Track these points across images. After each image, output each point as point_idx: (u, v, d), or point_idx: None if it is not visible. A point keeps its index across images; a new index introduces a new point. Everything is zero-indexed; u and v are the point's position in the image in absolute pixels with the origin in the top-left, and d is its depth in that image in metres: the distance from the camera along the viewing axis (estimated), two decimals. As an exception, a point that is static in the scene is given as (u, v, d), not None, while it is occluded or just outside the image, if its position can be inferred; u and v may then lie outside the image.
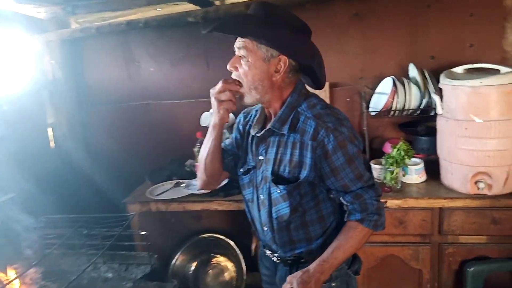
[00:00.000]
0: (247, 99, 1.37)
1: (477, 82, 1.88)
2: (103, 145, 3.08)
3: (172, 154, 2.89)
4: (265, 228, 1.49)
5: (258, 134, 1.44)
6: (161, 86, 2.94)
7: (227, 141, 1.64)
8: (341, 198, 1.39)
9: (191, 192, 2.35)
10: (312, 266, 1.31)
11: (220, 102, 1.38)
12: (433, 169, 2.25)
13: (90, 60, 3.00)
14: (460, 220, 2.04)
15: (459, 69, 2.11)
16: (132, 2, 2.75)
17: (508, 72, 1.88)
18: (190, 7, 2.67)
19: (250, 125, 1.53)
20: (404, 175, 2.21)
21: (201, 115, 2.79)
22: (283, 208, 1.40)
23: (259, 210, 1.49)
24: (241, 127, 1.58)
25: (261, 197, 1.46)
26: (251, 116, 1.57)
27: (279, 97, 1.39)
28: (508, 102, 1.87)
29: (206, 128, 2.69)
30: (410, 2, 2.49)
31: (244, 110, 1.62)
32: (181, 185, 2.51)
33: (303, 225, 1.43)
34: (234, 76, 1.37)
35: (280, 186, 1.37)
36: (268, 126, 1.40)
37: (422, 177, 2.23)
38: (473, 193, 1.99)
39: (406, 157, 2.13)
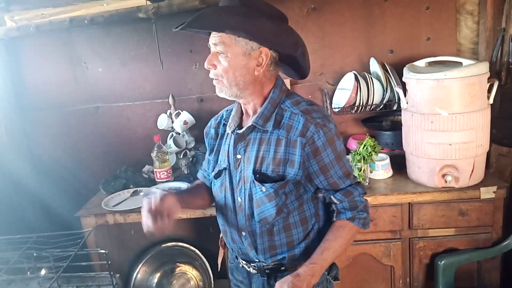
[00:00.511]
0: (224, 93, 1.30)
1: (441, 75, 1.87)
2: (49, 154, 2.82)
3: (127, 161, 2.71)
4: (243, 234, 1.38)
5: (239, 131, 1.34)
6: (111, 88, 2.73)
7: (206, 165, 1.57)
8: (331, 197, 1.34)
9: (151, 201, 2.19)
10: (302, 270, 1.24)
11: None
12: (398, 163, 2.24)
13: (30, 62, 2.72)
14: (429, 214, 2.03)
15: (421, 63, 2.10)
16: (75, -3, 2.53)
17: (470, 65, 1.88)
18: (140, 1, 2.49)
19: (224, 125, 1.45)
20: (371, 171, 2.18)
21: (157, 117, 2.63)
22: (267, 209, 1.30)
23: (235, 214, 1.39)
24: (212, 131, 1.50)
25: (239, 199, 1.36)
26: (221, 117, 1.49)
27: (260, 93, 1.32)
28: (471, 94, 1.87)
29: (164, 131, 2.60)
30: (367, -5, 2.46)
31: (215, 116, 1.54)
32: (140, 193, 2.35)
33: (286, 228, 1.35)
34: (212, 74, 1.29)
35: (266, 185, 1.28)
36: (251, 123, 1.31)
37: (389, 172, 2.21)
38: (440, 186, 2.00)
39: (373, 153, 2.10)
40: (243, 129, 1.34)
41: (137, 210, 2.14)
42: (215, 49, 1.24)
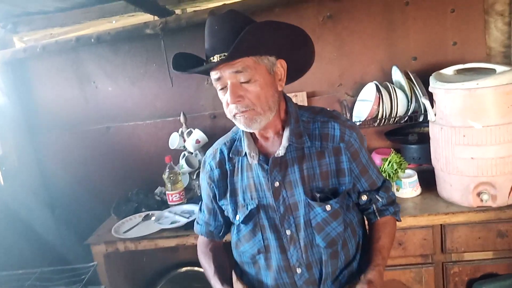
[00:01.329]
0: (259, 124, 1.15)
1: (473, 84, 1.69)
2: (60, 176, 2.75)
3: (139, 182, 2.61)
4: (298, 272, 1.22)
5: (278, 155, 1.20)
6: (121, 107, 2.64)
7: (207, 218, 1.42)
8: (376, 196, 1.30)
9: (162, 227, 2.07)
10: (371, 275, 1.19)
11: None
12: (427, 180, 2.06)
13: (39, 82, 2.66)
14: (464, 236, 1.85)
15: (449, 70, 1.93)
16: (82, 16, 2.47)
17: (505, 71, 1.70)
18: (148, 17, 2.40)
19: (230, 159, 1.29)
20: (397, 190, 2.01)
21: (168, 136, 2.52)
22: (334, 228, 1.20)
23: (283, 252, 1.22)
24: (217, 172, 1.32)
25: (288, 233, 1.22)
26: (221, 153, 1.32)
27: (278, 113, 1.21)
28: (508, 103, 1.69)
29: (176, 151, 2.48)
30: (386, 0, 2.30)
31: (208, 155, 1.37)
32: (152, 217, 2.23)
33: (344, 244, 1.24)
34: (241, 108, 1.12)
35: (331, 202, 1.19)
36: (287, 142, 1.19)
37: (417, 190, 2.03)
38: (476, 205, 1.81)
39: (399, 170, 1.94)
40: (279, 151, 1.19)
41: (149, 237, 2.06)
42: (236, 78, 1.10)
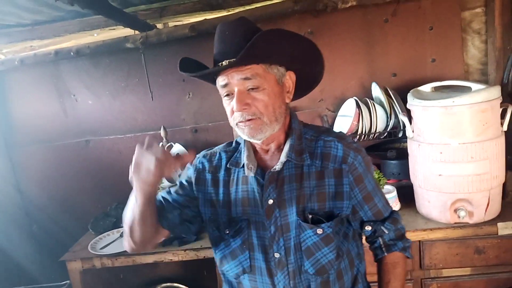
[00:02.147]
0: (264, 134, 1.11)
1: (449, 101, 1.71)
2: (37, 191, 2.69)
3: (118, 197, 2.54)
4: None
5: (275, 170, 1.14)
6: (101, 120, 2.61)
7: (173, 190, 1.28)
8: (382, 228, 1.22)
9: (140, 243, 2.03)
10: None
11: (158, 160, 1.00)
12: (406, 195, 2.07)
13: (17, 96, 2.61)
14: (442, 252, 1.85)
15: (426, 87, 1.95)
16: (62, 29, 2.44)
17: (480, 89, 1.73)
18: (129, 31, 2.39)
19: (227, 169, 1.23)
20: (377, 206, 2.01)
21: (149, 150, 2.49)
22: (325, 255, 1.13)
23: (270, 276, 1.15)
24: (209, 177, 1.24)
25: (276, 256, 1.14)
26: (219, 159, 1.25)
27: (283, 125, 1.17)
28: (483, 121, 1.71)
29: (155, 165, 2.45)
30: (366, 17, 2.33)
31: (203, 154, 1.29)
32: (130, 233, 2.19)
33: (339, 275, 1.17)
34: (247, 116, 1.07)
35: (323, 225, 1.11)
36: (285, 158, 1.14)
37: (396, 206, 2.04)
38: (453, 222, 1.82)
39: (378, 186, 1.94)
40: (276, 167, 1.14)
41: (126, 253, 2.01)
42: (244, 85, 1.06)
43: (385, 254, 1.24)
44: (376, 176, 1.94)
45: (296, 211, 1.13)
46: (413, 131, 1.89)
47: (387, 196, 1.95)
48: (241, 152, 1.22)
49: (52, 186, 2.67)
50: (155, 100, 2.49)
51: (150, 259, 2.03)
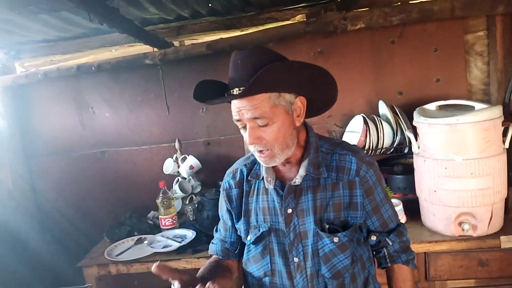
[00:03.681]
0: (278, 161, 1.19)
1: (453, 119, 1.81)
2: (54, 200, 2.79)
3: (133, 206, 2.66)
4: None
5: (295, 183, 1.21)
6: (117, 132, 2.72)
7: (224, 235, 1.40)
8: (386, 239, 1.29)
9: (154, 250, 2.11)
10: None
11: None
12: (412, 209, 2.14)
13: (38, 108, 2.74)
14: (447, 264, 1.92)
15: (431, 106, 2.05)
16: (83, 45, 2.57)
17: (483, 109, 1.82)
18: (147, 48, 2.51)
19: (248, 181, 1.33)
20: (384, 218, 2.09)
21: (163, 162, 2.59)
22: (341, 261, 1.21)
23: (290, 279, 1.25)
24: (235, 192, 1.35)
25: (296, 260, 1.23)
26: (240, 173, 1.35)
27: (298, 143, 1.23)
28: (486, 139, 1.80)
29: (170, 176, 2.55)
30: (374, 38, 2.45)
31: (227, 173, 1.39)
32: (144, 241, 2.27)
33: (353, 278, 1.25)
34: (259, 147, 1.16)
35: (339, 234, 1.20)
36: (304, 172, 1.21)
37: (403, 219, 2.11)
38: (457, 235, 1.89)
39: (385, 199, 2.02)
40: (296, 180, 1.22)
41: (141, 260, 2.09)
42: (254, 123, 1.13)
43: (389, 265, 1.32)
44: (383, 190, 2.02)
45: (313, 220, 1.21)
46: (419, 147, 1.98)
47: (393, 209, 2.05)
48: (260, 164, 1.30)
49: (69, 195, 2.76)
50: (170, 114, 2.60)
51: (164, 266, 2.10)
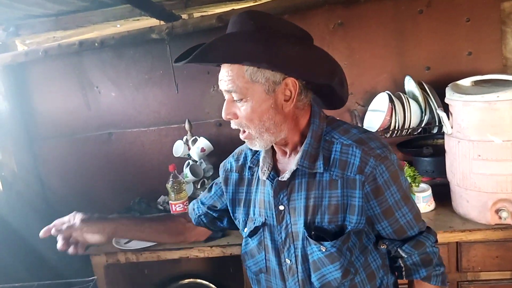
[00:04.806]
0: (259, 145, 1.06)
1: (493, 96, 1.62)
2: (59, 184, 2.68)
3: (142, 190, 2.54)
4: None
5: (283, 179, 1.07)
6: (124, 113, 2.57)
7: (204, 198, 1.36)
8: (398, 250, 1.10)
9: (165, 238, 1.99)
10: None
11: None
12: (441, 194, 1.98)
13: (40, 87, 2.59)
14: (481, 254, 1.77)
15: (466, 82, 1.86)
16: (85, 19, 2.40)
17: (526, 84, 1.64)
18: (153, 22, 2.34)
19: (250, 168, 1.20)
20: (410, 204, 1.93)
21: (172, 144, 2.45)
22: (331, 273, 1.05)
23: (283, 280, 1.13)
24: (235, 176, 1.23)
25: (287, 261, 1.11)
26: (243, 158, 1.23)
27: (297, 129, 1.07)
28: (529, 118, 1.62)
29: (180, 159, 2.41)
30: (399, 8, 2.24)
31: (232, 154, 1.28)
32: (154, 228, 2.15)
33: None
34: (234, 125, 1.05)
35: (326, 244, 1.03)
36: (294, 166, 1.05)
37: (431, 205, 1.96)
38: (494, 223, 1.73)
39: (413, 184, 1.86)
40: (285, 175, 1.08)
41: (150, 248, 1.98)
42: (231, 96, 1.02)
43: (404, 278, 1.15)
44: (411, 174, 1.86)
45: (304, 222, 1.06)
46: (451, 127, 1.80)
47: (421, 194, 1.90)
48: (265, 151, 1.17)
49: (74, 179, 2.65)
50: (179, 93, 2.44)
51: (175, 255, 1.99)
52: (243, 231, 1.21)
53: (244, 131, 1.05)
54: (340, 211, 1.04)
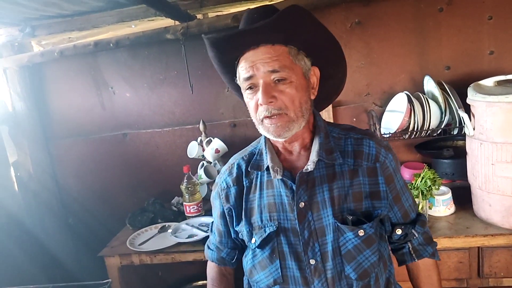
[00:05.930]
0: (295, 129, 1.03)
1: (518, 97, 1.57)
2: (74, 184, 2.69)
3: (156, 191, 2.53)
4: None
5: (306, 170, 1.04)
6: (139, 114, 2.57)
7: (218, 241, 1.28)
8: (412, 231, 1.16)
9: (179, 240, 1.97)
10: None
11: None
12: (461, 197, 1.93)
13: (56, 88, 2.60)
14: (504, 260, 1.71)
15: (488, 82, 1.80)
16: (100, 19, 2.39)
17: (553, 84, 1.57)
18: (168, 22, 2.32)
19: (247, 175, 1.16)
20: (430, 207, 1.88)
21: (187, 144, 2.43)
22: (367, 258, 1.05)
23: (307, 284, 1.07)
24: (233, 190, 1.17)
25: (312, 262, 1.06)
26: (238, 167, 1.18)
27: (308, 124, 1.10)
28: (556, 119, 1.56)
29: (194, 160, 2.39)
30: (419, 6, 2.18)
31: (223, 171, 1.22)
32: (168, 229, 2.14)
33: (376, 278, 1.09)
34: (272, 110, 0.99)
35: (364, 226, 1.04)
36: (316, 157, 1.04)
37: (451, 208, 1.90)
38: (518, 228, 1.67)
39: (433, 187, 1.81)
40: (308, 167, 1.04)
41: (165, 250, 1.97)
42: (271, 78, 0.98)
43: (415, 260, 1.18)
44: (431, 177, 1.81)
45: (332, 213, 1.05)
46: (474, 129, 1.75)
47: (440, 197, 1.85)
48: (261, 155, 1.15)
49: (89, 179, 2.66)
50: (193, 93, 2.42)
51: (189, 257, 1.97)
52: (250, 242, 1.13)
53: (275, 116, 1.00)
54: (364, 198, 1.07)
